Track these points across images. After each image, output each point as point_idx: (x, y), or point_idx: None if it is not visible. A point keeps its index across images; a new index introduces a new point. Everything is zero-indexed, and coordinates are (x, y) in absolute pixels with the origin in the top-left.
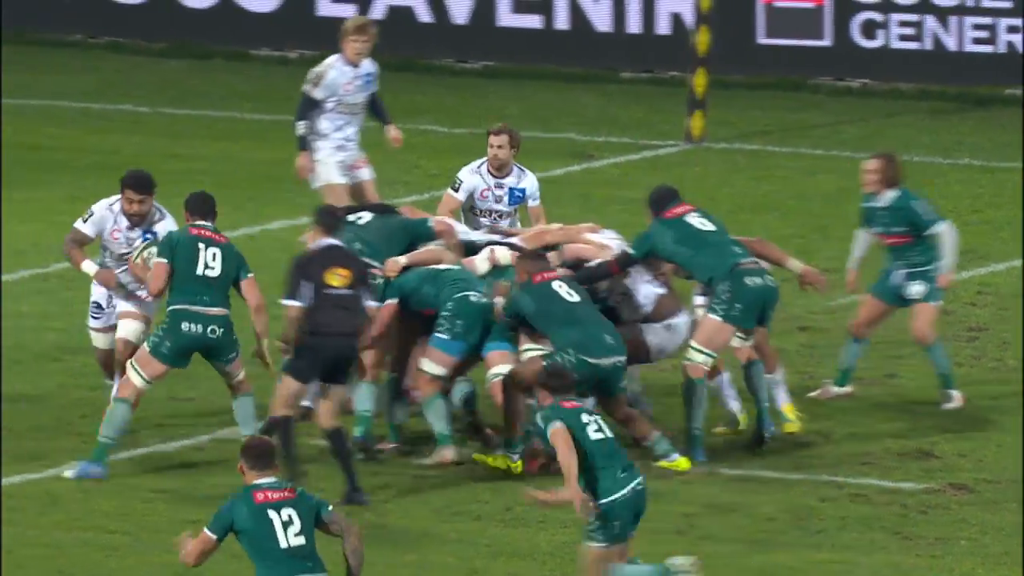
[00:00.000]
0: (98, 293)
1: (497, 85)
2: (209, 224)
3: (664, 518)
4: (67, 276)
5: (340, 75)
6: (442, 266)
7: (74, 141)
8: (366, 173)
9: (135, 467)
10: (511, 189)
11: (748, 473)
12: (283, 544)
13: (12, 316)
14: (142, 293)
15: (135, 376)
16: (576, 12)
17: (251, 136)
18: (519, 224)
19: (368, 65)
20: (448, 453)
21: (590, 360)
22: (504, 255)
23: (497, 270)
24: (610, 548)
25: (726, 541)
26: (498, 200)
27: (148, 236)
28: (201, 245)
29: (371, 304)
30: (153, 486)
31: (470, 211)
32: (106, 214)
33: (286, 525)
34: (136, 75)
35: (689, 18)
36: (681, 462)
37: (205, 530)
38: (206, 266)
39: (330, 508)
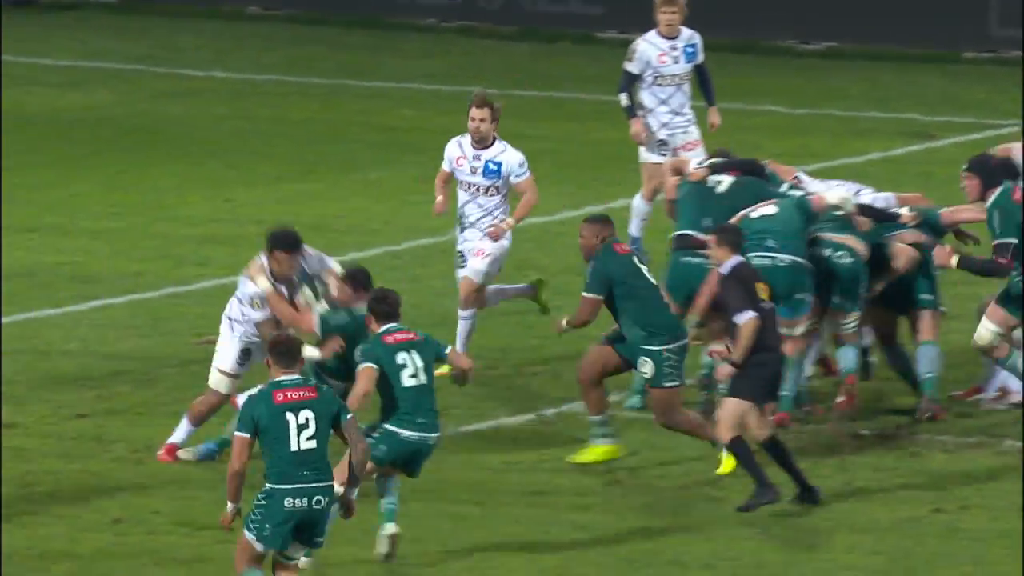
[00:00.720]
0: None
1: (839, 66)
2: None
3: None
4: (419, 254)
5: (652, 47)
6: (757, 213)
7: (425, 122)
8: (695, 154)
9: (485, 440)
10: (487, 162)
11: None
12: (293, 447)
13: None
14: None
15: None
16: None
17: (597, 116)
18: (505, 203)
19: (688, 36)
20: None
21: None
22: (839, 197)
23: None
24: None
25: None
26: (473, 171)
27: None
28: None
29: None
30: (503, 459)
31: (458, 185)
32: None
33: (301, 428)
34: (485, 58)
35: None
36: (727, 463)
37: (236, 433)
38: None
39: (349, 416)
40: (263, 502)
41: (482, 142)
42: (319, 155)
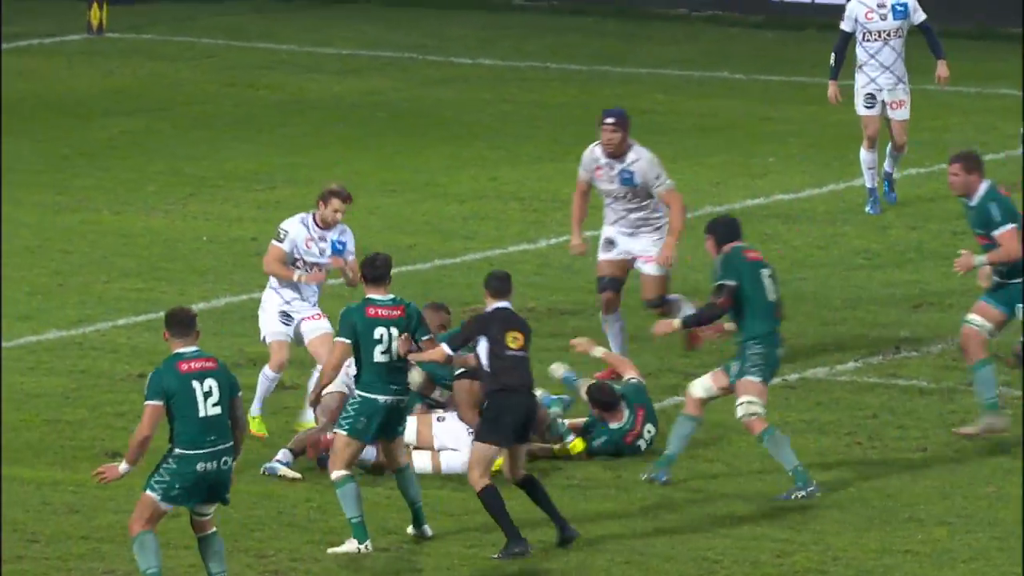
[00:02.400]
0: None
1: None
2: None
3: None
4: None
5: (859, 5)
6: None
7: (676, 105)
8: (899, 114)
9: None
10: (334, 242)
11: None
12: (201, 413)
13: None
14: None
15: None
16: None
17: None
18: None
19: None
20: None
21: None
22: None
23: None
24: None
25: None
26: (321, 252)
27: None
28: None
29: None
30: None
31: (293, 263)
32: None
33: (206, 395)
34: (732, 45)
35: None
36: (576, 443)
37: (148, 402)
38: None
39: (239, 394)
40: (172, 464)
41: (329, 227)
42: (577, 136)
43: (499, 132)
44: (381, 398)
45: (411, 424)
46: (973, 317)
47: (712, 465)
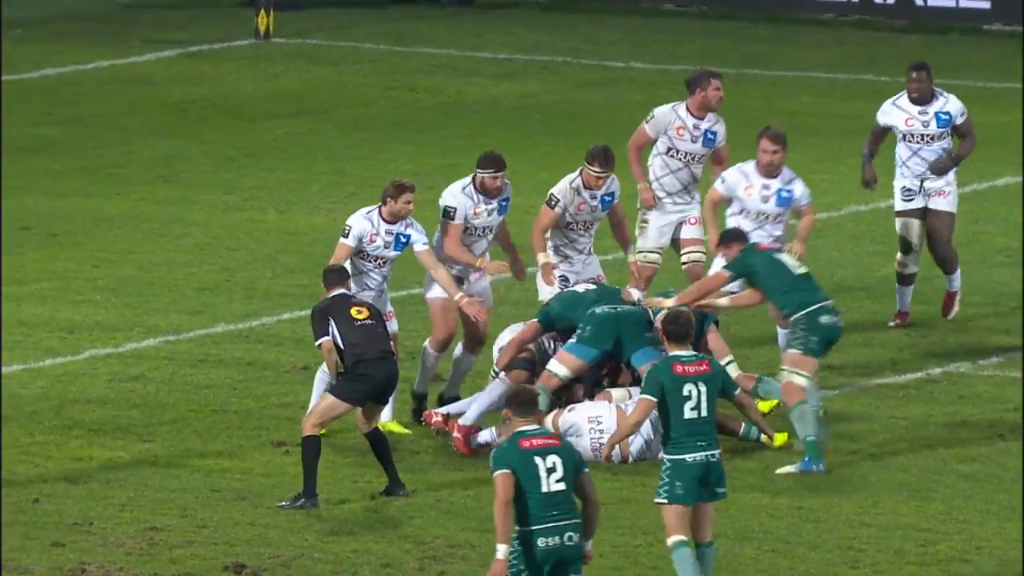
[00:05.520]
0: None
1: None
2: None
3: None
4: (860, 220)
5: None
6: None
7: (824, 108)
8: None
9: (874, 397)
10: (398, 234)
11: None
12: (544, 488)
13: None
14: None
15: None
16: None
17: (981, 102)
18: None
19: None
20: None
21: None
22: None
23: None
24: None
25: None
26: (387, 246)
27: None
28: None
29: None
30: (891, 413)
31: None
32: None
33: (550, 471)
34: (878, 49)
35: None
36: (779, 438)
37: (497, 472)
38: None
39: (586, 470)
40: (516, 546)
41: (397, 220)
42: (726, 136)
43: None
44: (688, 457)
45: (549, 419)
46: None
47: (855, 456)
